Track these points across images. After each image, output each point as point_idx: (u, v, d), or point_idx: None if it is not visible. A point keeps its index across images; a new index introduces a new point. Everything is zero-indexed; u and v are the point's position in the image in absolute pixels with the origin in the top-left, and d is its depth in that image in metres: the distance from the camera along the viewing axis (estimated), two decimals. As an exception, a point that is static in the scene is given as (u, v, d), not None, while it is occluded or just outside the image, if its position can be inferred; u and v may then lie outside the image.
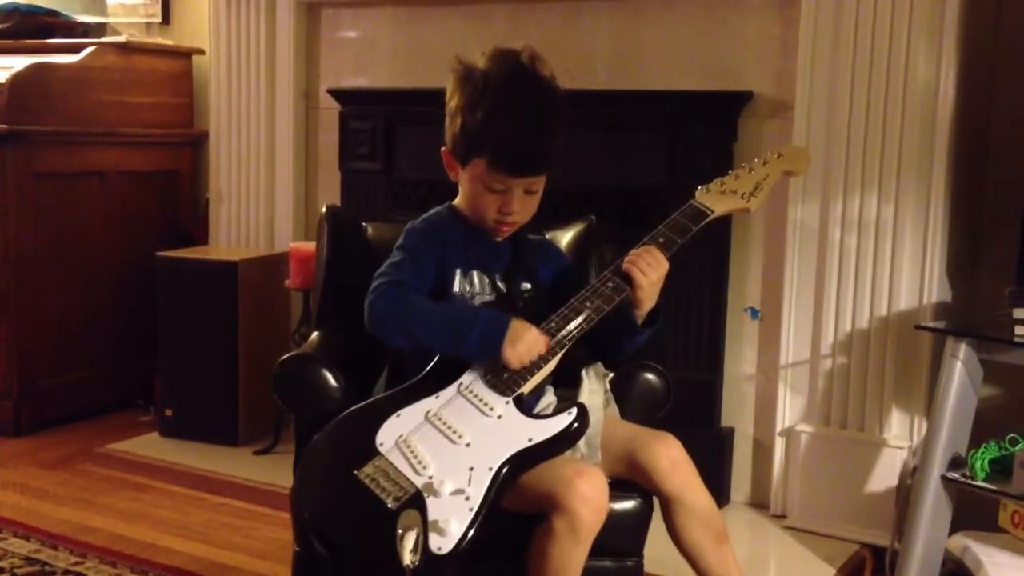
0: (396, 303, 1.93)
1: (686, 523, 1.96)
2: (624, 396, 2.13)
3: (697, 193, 2.06)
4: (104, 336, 4.04)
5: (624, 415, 2.10)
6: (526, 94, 1.96)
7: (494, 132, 1.92)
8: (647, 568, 2.08)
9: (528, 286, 2.07)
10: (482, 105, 1.93)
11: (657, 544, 2.07)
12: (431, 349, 1.93)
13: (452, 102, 2.00)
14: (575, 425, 1.83)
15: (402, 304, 1.93)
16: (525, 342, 1.88)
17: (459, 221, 2.07)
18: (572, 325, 1.91)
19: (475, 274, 2.03)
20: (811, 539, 2.95)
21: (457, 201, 2.09)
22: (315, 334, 2.27)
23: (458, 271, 2.02)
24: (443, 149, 2.04)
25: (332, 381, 2.07)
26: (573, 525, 1.76)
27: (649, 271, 1.93)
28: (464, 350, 1.90)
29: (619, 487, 1.93)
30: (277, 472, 3.28)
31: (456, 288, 2.01)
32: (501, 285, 2.05)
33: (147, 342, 3.89)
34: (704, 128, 3.11)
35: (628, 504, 1.98)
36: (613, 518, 1.84)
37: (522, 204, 1.99)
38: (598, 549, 1.82)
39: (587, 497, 1.76)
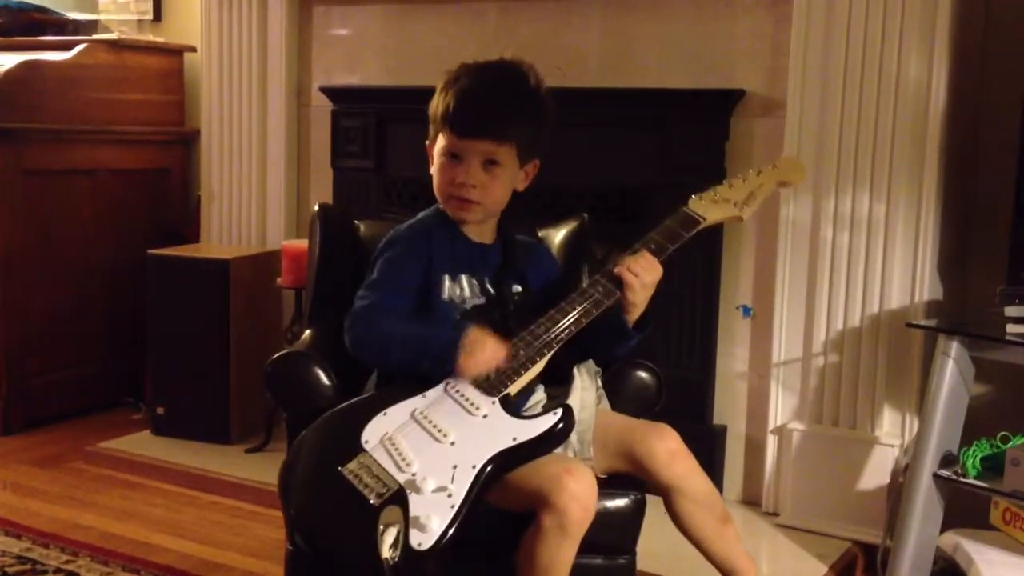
0: (368, 328, 1.94)
1: (689, 510, 1.98)
2: (616, 394, 2.13)
3: (691, 201, 2.07)
4: (95, 334, 4.03)
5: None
6: (492, 70, 2.02)
7: (454, 98, 1.96)
8: (640, 566, 2.08)
9: (518, 288, 2.06)
10: (453, 85, 1.98)
11: (650, 540, 2.08)
12: (403, 370, 1.93)
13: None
14: (560, 426, 1.84)
15: (374, 331, 1.94)
16: (482, 351, 1.87)
17: (447, 224, 2.05)
18: (560, 327, 1.90)
19: (464, 278, 2.02)
20: (803, 537, 2.95)
21: None
22: (307, 332, 2.27)
23: (446, 276, 2.01)
24: (427, 144, 2.07)
25: (324, 379, 2.07)
26: (562, 523, 1.76)
27: (643, 273, 1.93)
28: (426, 369, 1.89)
29: (615, 483, 1.93)
30: (269, 470, 3.25)
31: (445, 294, 2.00)
32: (491, 288, 2.04)
33: (138, 340, 3.88)
34: (696, 126, 3.11)
35: (621, 502, 1.98)
36: (605, 516, 1.84)
37: (478, 177, 1.98)
38: (589, 547, 1.82)
39: (576, 495, 1.77)
